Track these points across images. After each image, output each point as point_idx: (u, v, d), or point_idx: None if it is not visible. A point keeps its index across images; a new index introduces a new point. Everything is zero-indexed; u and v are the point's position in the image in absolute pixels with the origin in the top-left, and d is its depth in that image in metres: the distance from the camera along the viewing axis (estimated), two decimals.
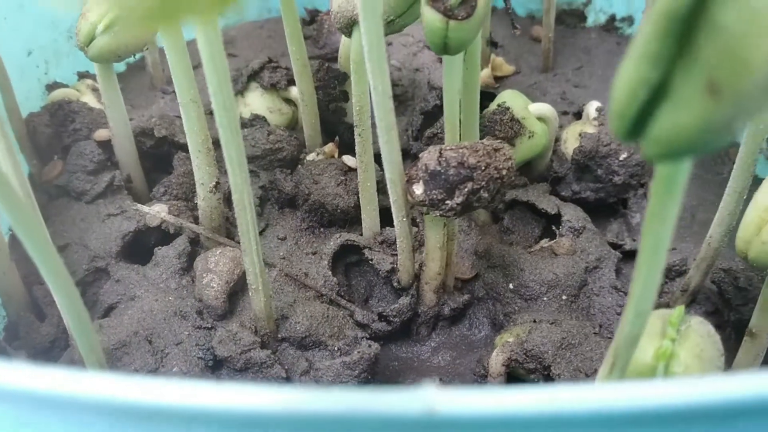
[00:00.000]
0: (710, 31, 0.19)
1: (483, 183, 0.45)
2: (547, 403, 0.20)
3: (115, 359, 0.48)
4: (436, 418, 0.19)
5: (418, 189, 0.46)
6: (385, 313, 0.53)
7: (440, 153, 0.45)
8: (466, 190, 0.44)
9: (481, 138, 0.59)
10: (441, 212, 0.46)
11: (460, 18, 0.40)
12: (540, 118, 0.60)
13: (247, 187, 0.42)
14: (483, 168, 0.44)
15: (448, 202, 0.45)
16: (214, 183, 0.52)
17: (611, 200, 0.64)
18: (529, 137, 0.59)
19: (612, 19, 0.77)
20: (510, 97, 0.60)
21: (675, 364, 0.35)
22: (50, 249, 0.36)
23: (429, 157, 0.45)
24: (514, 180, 0.48)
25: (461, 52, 0.43)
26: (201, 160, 0.51)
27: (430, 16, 0.41)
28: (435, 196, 0.45)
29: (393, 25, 0.47)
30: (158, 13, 0.15)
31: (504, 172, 0.45)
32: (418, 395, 0.19)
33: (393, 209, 0.48)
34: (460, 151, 0.45)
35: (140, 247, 0.56)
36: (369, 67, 0.40)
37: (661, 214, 0.25)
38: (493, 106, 0.60)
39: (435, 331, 0.56)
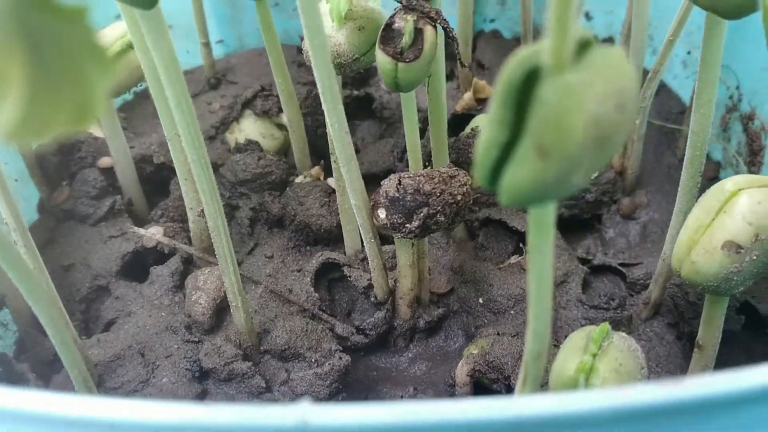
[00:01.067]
0: (537, 102, 0.23)
1: (438, 208, 0.48)
2: (412, 416, 0.24)
3: (110, 371, 0.53)
4: (310, 430, 0.23)
5: (382, 213, 0.50)
6: (362, 327, 0.57)
7: (399, 181, 0.49)
8: (423, 214, 0.48)
9: (456, 161, 0.63)
10: (402, 234, 0.49)
11: (407, 61, 0.44)
12: None
13: (221, 215, 0.46)
14: (438, 194, 0.48)
15: (407, 225, 0.49)
16: (201, 208, 0.57)
17: (585, 216, 0.67)
18: None
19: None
20: (482, 121, 0.63)
21: (594, 377, 0.38)
22: (31, 276, 0.41)
23: (389, 184, 0.49)
24: (470, 205, 0.52)
25: (412, 89, 0.47)
26: (188, 187, 0.56)
27: (381, 58, 0.45)
28: (395, 220, 0.49)
29: (359, 62, 0.51)
30: (20, 129, 0.18)
31: (459, 197, 0.49)
32: (293, 409, 0.23)
33: (361, 232, 0.52)
34: (417, 178, 0.48)
35: (138, 266, 0.61)
36: (324, 107, 0.44)
37: (539, 247, 0.29)
38: (467, 129, 0.64)
39: (412, 342, 0.60)
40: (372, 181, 0.70)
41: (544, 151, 0.23)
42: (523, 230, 0.62)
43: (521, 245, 0.62)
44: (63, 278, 0.61)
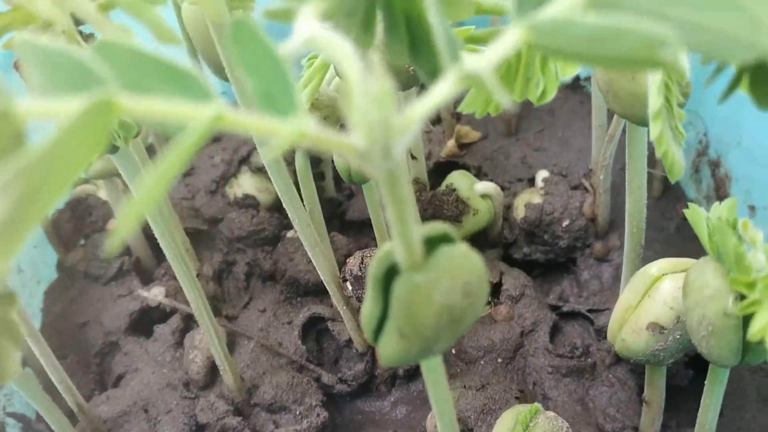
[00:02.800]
0: (393, 297, 0.28)
1: None
2: None
3: (117, 426, 0.59)
4: None
5: (349, 287, 0.55)
6: (344, 378, 0.63)
7: (362, 260, 0.54)
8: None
9: (432, 215, 0.67)
10: None
11: None
12: (484, 195, 0.67)
13: (203, 302, 0.52)
14: None
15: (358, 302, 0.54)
16: (195, 274, 0.62)
17: (561, 260, 0.71)
18: (474, 214, 0.66)
19: (576, 78, 0.82)
20: (457, 178, 0.67)
21: None
22: (17, 367, 0.47)
23: (353, 262, 0.54)
24: None
25: (366, 182, 0.51)
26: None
27: (335, 156, 0.50)
28: (360, 295, 0.54)
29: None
30: None
31: None
32: None
33: (333, 300, 0.58)
34: (364, 258, 0.53)
35: (145, 323, 0.68)
36: (285, 206, 0.49)
37: (434, 384, 0.33)
38: (443, 186, 0.68)
39: (394, 387, 0.65)
40: (361, 228, 0.75)
41: (403, 334, 0.28)
42: (494, 282, 0.66)
43: (490, 299, 0.66)
44: (80, 334, 0.68)
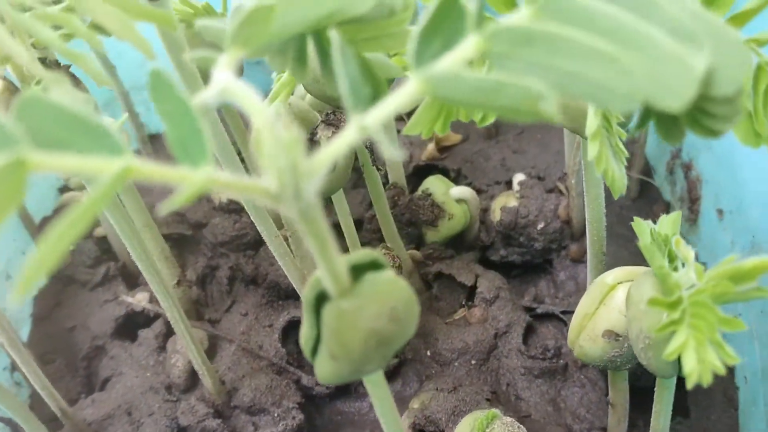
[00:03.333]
0: (322, 322, 0.29)
1: None
2: None
3: (102, 429, 0.62)
4: None
5: None
6: None
7: None
8: None
9: (409, 221, 0.69)
10: None
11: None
12: (460, 200, 0.68)
13: (178, 309, 0.54)
14: None
15: None
16: (175, 281, 0.64)
17: (537, 261, 0.72)
18: (449, 219, 0.68)
19: None
20: (432, 183, 0.69)
21: None
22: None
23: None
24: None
25: (334, 194, 0.53)
26: (162, 264, 0.63)
27: None
28: None
29: None
30: None
31: None
32: None
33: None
34: None
35: (130, 327, 0.69)
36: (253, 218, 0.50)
37: (379, 400, 0.35)
38: (419, 191, 0.69)
39: None
40: (339, 233, 0.77)
41: (334, 357, 0.29)
42: (469, 284, 0.68)
43: (463, 302, 0.68)
44: (68, 338, 0.70)
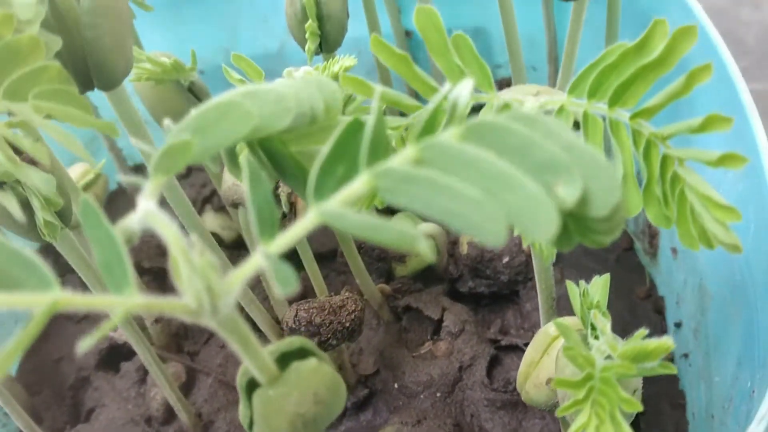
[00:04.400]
0: (253, 405, 0.32)
1: (329, 336, 0.58)
2: None
3: None
4: None
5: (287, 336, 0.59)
6: None
7: (296, 313, 0.58)
8: (315, 341, 0.57)
9: (380, 254, 0.72)
10: None
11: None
12: (427, 236, 0.71)
13: (150, 352, 0.57)
14: (327, 324, 0.57)
15: None
16: (154, 319, 0.67)
17: (505, 292, 0.74)
18: (416, 255, 0.71)
19: None
20: (401, 221, 0.71)
21: None
22: None
23: (289, 315, 0.59)
24: (360, 326, 0.60)
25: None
26: None
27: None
28: None
29: None
30: None
31: (348, 324, 0.58)
32: None
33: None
34: (310, 311, 0.58)
35: (114, 359, 0.73)
36: None
37: None
38: None
39: (345, 417, 0.70)
40: (320, 261, 0.79)
41: None
42: (436, 318, 0.70)
43: (428, 337, 0.70)
44: (55, 369, 0.73)
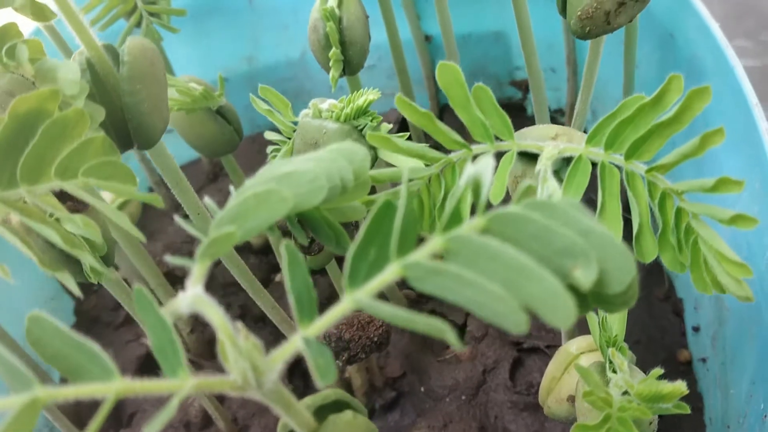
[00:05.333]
0: None
1: (358, 350, 0.60)
2: None
3: None
4: None
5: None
6: None
7: (326, 331, 0.61)
8: (344, 357, 0.60)
9: None
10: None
11: (313, 253, 0.55)
12: None
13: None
14: (356, 340, 0.60)
15: (336, 362, 0.61)
16: (189, 329, 0.70)
17: None
18: None
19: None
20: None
21: None
22: None
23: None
24: (388, 339, 0.63)
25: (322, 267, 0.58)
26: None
27: None
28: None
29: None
30: None
31: (376, 338, 0.61)
32: None
33: None
34: (340, 327, 0.60)
35: (152, 366, 0.76)
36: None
37: None
38: None
39: (373, 418, 0.73)
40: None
41: None
42: (460, 323, 0.73)
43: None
44: None
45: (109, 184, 0.35)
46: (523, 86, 0.86)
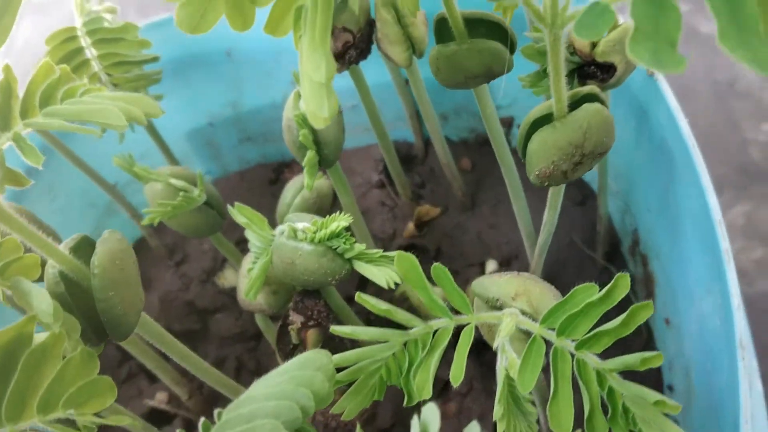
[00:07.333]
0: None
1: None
2: None
3: None
4: None
5: None
6: None
7: (314, 416, 0.64)
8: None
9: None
10: None
11: None
12: None
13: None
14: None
15: None
16: (187, 396, 0.74)
17: None
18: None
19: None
20: (409, 288, 0.76)
21: None
22: None
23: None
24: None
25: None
26: (175, 387, 0.73)
27: (278, 353, 0.59)
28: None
29: (277, 312, 0.65)
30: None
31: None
32: None
33: None
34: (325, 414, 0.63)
35: (156, 421, 0.80)
36: None
37: None
38: (396, 293, 0.76)
39: None
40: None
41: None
42: (445, 379, 0.76)
43: (438, 396, 0.76)
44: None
45: (87, 409, 0.37)
46: (506, 123, 0.87)
